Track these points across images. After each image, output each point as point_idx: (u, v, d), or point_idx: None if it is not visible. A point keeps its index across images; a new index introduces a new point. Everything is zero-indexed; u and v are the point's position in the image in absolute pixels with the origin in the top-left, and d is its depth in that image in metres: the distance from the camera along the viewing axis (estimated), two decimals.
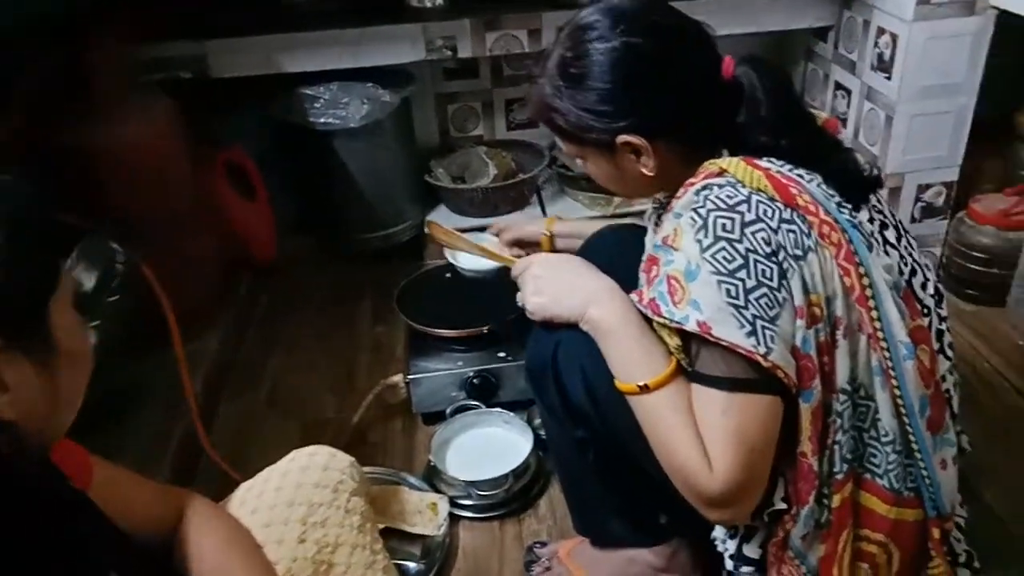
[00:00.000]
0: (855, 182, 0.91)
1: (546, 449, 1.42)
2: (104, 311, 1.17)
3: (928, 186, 1.87)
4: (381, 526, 1.22)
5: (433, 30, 1.79)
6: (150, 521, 0.84)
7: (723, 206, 0.83)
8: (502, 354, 1.54)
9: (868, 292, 0.85)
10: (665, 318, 0.85)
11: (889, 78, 1.76)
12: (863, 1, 1.82)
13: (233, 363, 1.79)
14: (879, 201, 0.95)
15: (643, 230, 1.14)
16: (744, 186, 0.85)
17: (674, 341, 0.87)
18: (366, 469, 1.34)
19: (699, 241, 0.83)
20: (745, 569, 0.96)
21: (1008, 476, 1.40)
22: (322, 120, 1.86)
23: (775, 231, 0.82)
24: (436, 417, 1.55)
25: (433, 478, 1.43)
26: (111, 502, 0.74)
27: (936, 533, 0.93)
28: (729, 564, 0.98)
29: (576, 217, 1.95)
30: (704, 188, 0.86)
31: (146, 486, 0.88)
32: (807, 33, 2.06)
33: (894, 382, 0.86)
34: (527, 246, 1.38)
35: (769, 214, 0.83)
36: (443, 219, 2.05)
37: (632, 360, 0.89)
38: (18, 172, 0.70)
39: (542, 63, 0.97)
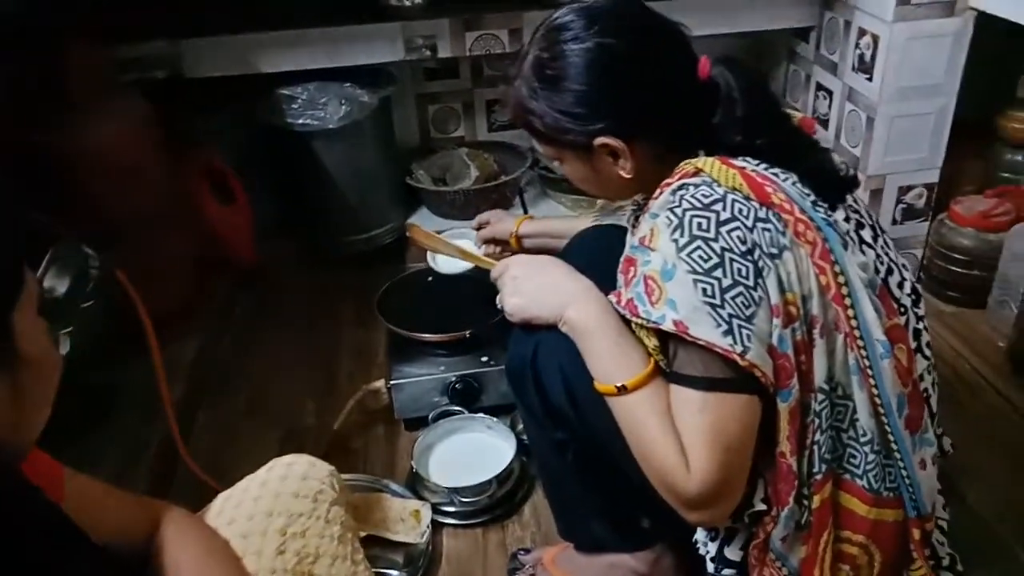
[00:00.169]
0: (831, 181, 0.91)
1: (529, 454, 1.41)
2: (77, 317, 1.15)
3: (909, 188, 1.87)
4: (363, 534, 1.21)
5: (412, 29, 1.78)
6: (124, 533, 0.82)
7: (699, 205, 0.83)
8: (485, 359, 1.53)
9: (844, 291, 0.85)
10: (642, 318, 0.84)
11: (870, 79, 1.77)
12: (844, 2, 1.82)
13: (211, 369, 1.76)
14: (855, 201, 0.95)
15: (626, 230, 1.14)
16: (719, 185, 0.85)
17: (652, 342, 0.87)
18: (347, 476, 1.33)
19: (675, 240, 0.82)
20: (727, 572, 0.96)
21: (991, 476, 1.40)
22: (300, 121, 1.84)
23: (750, 229, 0.82)
24: (418, 423, 1.54)
25: (416, 485, 1.41)
26: (84, 514, 0.72)
27: (916, 534, 0.93)
28: (711, 567, 0.98)
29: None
30: (680, 188, 0.86)
31: (120, 497, 0.86)
32: (789, 34, 2.06)
33: (871, 381, 0.86)
34: (500, 243, 1.41)
35: (744, 213, 0.83)
36: (424, 221, 2.04)
37: (610, 361, 0.89)
38: None
39: (518, 64, 0.97)
